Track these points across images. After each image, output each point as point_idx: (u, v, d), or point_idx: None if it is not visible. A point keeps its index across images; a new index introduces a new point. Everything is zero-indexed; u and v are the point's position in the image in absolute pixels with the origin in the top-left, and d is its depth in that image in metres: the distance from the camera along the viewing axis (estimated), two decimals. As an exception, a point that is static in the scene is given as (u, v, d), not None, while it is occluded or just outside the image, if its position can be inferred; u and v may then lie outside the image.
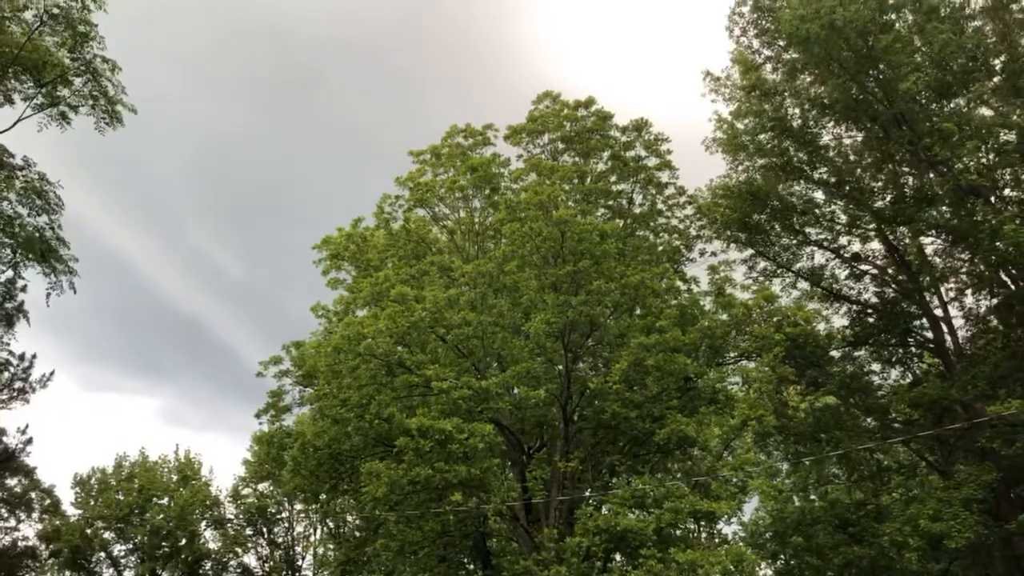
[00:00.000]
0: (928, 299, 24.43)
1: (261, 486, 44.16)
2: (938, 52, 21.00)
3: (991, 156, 21.56)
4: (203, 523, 44.02)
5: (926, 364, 26.19)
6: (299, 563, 45.46)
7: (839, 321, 26.87)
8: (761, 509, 28.02)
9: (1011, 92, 21.35)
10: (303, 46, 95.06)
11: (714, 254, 26.68)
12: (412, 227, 29.11)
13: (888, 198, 24.47)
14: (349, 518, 41.36)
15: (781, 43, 23.84)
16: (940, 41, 20.80)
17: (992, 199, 21.94)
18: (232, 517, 44.88)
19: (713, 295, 25.89)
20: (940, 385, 22.41)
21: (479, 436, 21.01)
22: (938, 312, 24.37)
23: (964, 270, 24.52)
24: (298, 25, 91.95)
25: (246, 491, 44.50)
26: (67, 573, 42.37)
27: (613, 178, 26.55)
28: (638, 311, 24.46)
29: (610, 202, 26.50)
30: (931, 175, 22.67)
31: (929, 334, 24.70)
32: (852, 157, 24.75)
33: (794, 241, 26.17)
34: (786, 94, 24.08)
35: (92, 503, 42.75)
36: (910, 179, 24.15)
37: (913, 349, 26.18)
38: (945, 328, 24.08)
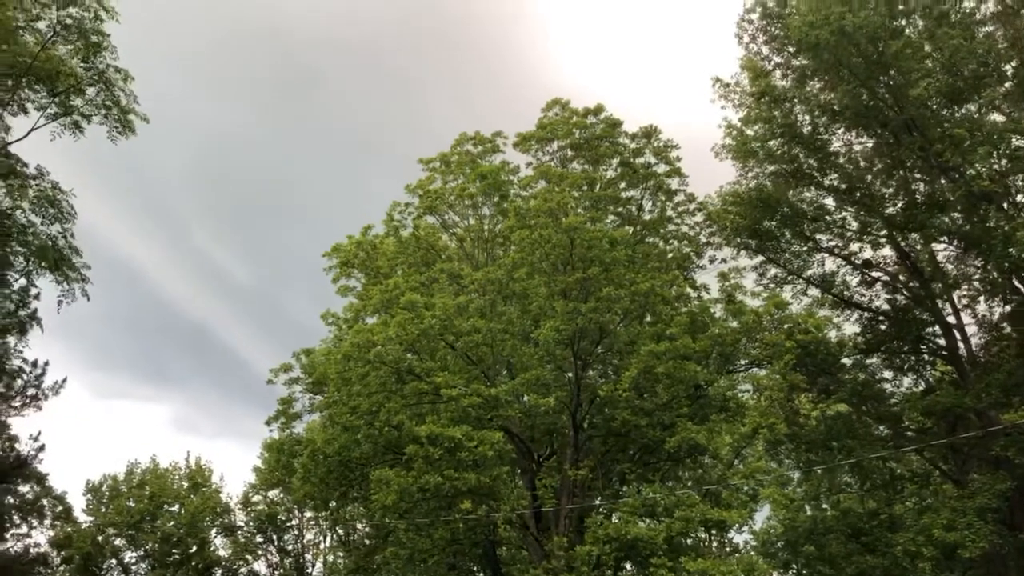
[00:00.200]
0: (940, 306, 24.22)
1: (271, 493, 44.26)
2: (949, 58, 20.89)
3: (1003, 162, 21.42)
4: (213, 530, 44.13)
5: (939, 372, 25.95)
6: (309, 571, 45.49)
7: (850, 328, 26.66)
8: (772, 518, 27.77)
9: (1022, 98, 21.24)
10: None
11: (724, 261, 26.61)
12: (421, 234, 29.22)
13: (899, 204, 24.30)
14: (359, 526, 41.40)
15: (790, 49, 23.76)
16: (951, 47, 20.71)
17: (1004, 205, 21.79)
18: (242, 524, 44.96)
19: (723, 302, 25.84)
20: (953, 393, 22.21)
21: (489, 444, 21.02)
22: (951, 319, 24.15)
23: (977, 277, 24.33)
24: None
25: (256, 498, 44.62)
26: (78, 580, 42.48)
27: (622, 185, 26.59)
28: (648, 318, 24.44)
29: (619, 209, 26.54)
30: (943, 181, 22.53)
31: (942, 341, 24.49)
32: (863, 163, 24.62)
33: (804, 248, 26.01)
34: (796, 100, 24.00)
35: (103, 510, 42.88)
36: (921, 185, 24.01)
37: (926, 356, 25.95)
38: (958, 335, 23.87)
